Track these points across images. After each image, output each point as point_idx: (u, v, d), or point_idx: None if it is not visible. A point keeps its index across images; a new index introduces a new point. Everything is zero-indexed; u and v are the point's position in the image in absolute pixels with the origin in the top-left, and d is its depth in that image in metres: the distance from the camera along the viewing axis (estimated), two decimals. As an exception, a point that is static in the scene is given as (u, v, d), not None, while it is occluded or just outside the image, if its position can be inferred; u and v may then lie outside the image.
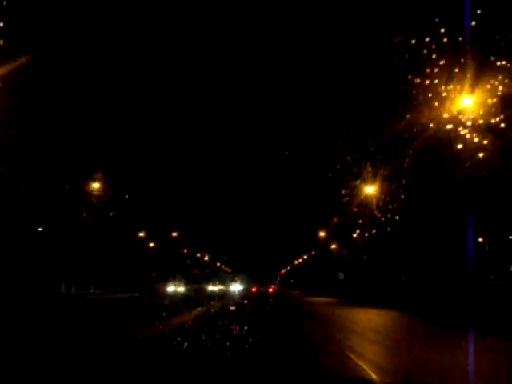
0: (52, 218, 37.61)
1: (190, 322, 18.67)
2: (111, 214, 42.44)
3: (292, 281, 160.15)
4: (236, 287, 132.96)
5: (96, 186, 34.86)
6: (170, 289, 49.81)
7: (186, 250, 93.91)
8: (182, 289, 51.17)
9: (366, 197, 41.41)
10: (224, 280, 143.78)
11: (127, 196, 43.72)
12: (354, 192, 45.65)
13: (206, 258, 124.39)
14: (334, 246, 68.97)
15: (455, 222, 49.24)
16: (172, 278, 54.49)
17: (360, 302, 44.05)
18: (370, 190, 34.41)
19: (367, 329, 19.22)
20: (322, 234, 62.24)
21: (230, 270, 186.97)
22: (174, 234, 71.05)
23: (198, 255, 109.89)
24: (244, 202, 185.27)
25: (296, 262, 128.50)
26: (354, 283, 56.62)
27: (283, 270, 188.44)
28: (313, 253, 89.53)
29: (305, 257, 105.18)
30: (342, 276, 57.26)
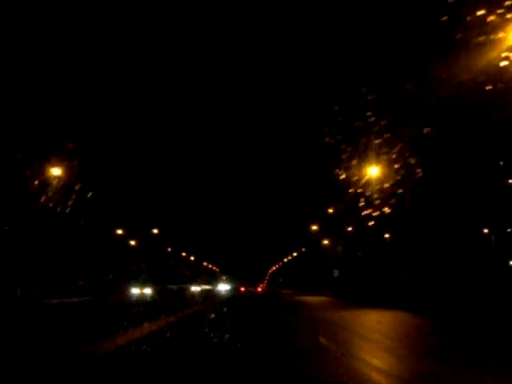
0: (6, 211, 32.86)
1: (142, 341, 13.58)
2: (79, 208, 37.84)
3: (281, 279, 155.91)
4: (223, 287, 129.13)
5: (57, 172, 30.15)
6: (135, 290, 43.10)
7: (169, 249, 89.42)
8: (148, 291, 44.37)
9: (364, 182, 37.22)
10: (211, 280, 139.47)
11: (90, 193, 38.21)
12: (350, 178, 41.70)
13: (192, 258, 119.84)
14: (326, 242, 64.83)
15: (464, 213, 45.43)
16: (138, 277, 47.39)
17: (358, 301, 39.94)
18: (372, 171, 30.04)
19: (384, 341, 14.91)
20: (313, 228, 57.88)
21: (217, 270, 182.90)
22: (155, 231, 66.39)
23: (184, 254, 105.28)
24: (231, 199, 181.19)
25: (285, 259, 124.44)
26: (349, 280, 52.51)
27: (272, 269, 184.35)
28: (303, 249, 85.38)
29: (294, 254, 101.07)
30: (336, 273, 53.13)
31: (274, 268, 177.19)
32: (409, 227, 45.14)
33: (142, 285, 44.95)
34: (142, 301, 29.39)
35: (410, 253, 48.41)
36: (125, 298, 29.76)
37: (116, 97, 42.46)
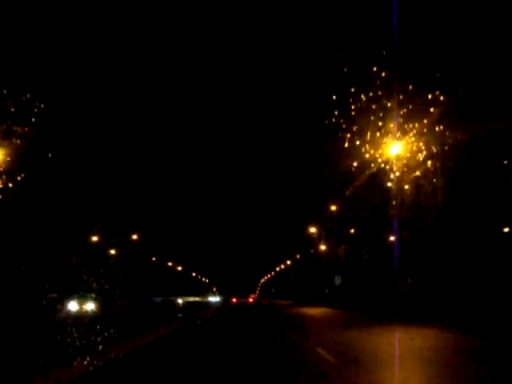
0: None
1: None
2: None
3: (273, 290, 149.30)
4: (214, 299, 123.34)
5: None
6: (72, 306, 33.98)
7: (154, 259, 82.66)
8: (91, 306, 35.01)
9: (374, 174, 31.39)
10: (201, 291, 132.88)
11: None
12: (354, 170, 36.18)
13: (180, 268, 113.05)
14: (323, 248, 58.67)
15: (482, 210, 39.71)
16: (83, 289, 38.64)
17: (366, 312, 33.90)
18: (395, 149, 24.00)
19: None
20: (310, 231, 51.37)
21: (207, 281, 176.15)
22: (134, 237, 59.78)
23: (170, 264, 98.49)
24: (221, 208, 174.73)
25: (277, 268, 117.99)
26: (354, 288, 46.32)
27: (264, 279, 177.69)
28: (297, 256, 79.07)
29: (288, 262, 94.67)
30: (338, 280, 46.88)
31: (266, 278, 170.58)
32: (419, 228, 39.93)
33: (83, 299, 36.19)
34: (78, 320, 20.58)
35: (419, 255, 43.10)
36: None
37: (106, 96, 42.01)
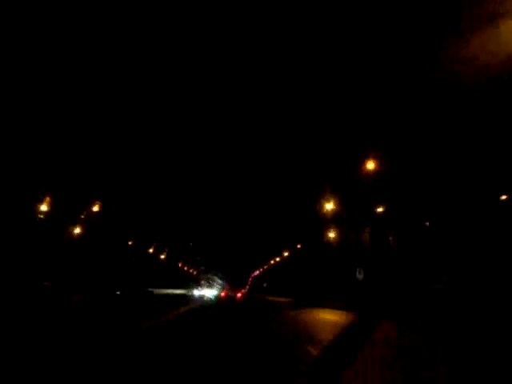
0: None
1: None
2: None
3: (265, 284, 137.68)
4: (200, 292, 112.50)
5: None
6: None
7: (130, 243, 70.66)
8: None
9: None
10: (186, 284, 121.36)
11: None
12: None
13: (163, 256, 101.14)
14: (332, 235, 46.95)
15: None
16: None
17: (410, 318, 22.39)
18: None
19: None
20: (325, 209, 39.15)
21: (194, 272, 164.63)
22: (95, 209, 47.65)
23: (151, 251, 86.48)
24: (207, 194, 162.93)
25: (272, 261, 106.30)
26: (380, 285, 34.71)
27: (255, 273, 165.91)
28: (298, 246, 67.31)
29: (285, 254, 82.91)
30: (361, 274, 35.17)
31: (258, 272, 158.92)
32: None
33: None
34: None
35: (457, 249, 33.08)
36: None
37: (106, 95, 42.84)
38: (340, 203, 38.52)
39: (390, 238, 35.79)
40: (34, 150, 39.54)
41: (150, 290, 69.37)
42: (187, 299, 53.00)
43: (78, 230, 54.15)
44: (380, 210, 35.97)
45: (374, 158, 28.92)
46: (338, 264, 43.91)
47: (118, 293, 42.86)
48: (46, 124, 40.81)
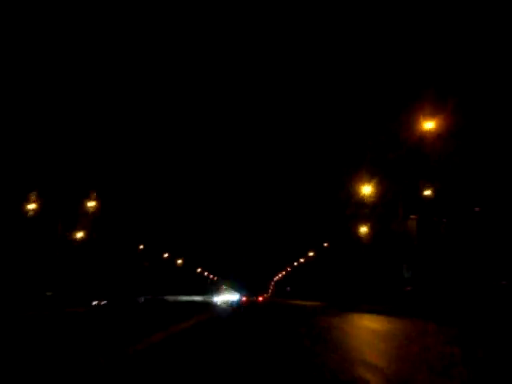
0: None
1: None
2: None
3: (289, 288, 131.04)
4: (223, 298, 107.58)
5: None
6: None
7: (141, 246, 64.90)
8: None
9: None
10: (205, 290, 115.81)
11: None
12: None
13: (180, 262, 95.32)
14: (364, 229, 40.52)
15: None
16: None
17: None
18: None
19: None
20: (364, 192, 32.26)
21: (215, 278, 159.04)
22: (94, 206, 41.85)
23: (165, 255, 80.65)
24: (228, 198, 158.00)
25: (296, 263, 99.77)
26: (434, 283, 28.19)
27: (277, 277, 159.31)
28: (325, 245, 60.81)
29: (311, 254, 76.36)
30: (408, 272, 28.72)
31: (280, 276, 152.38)
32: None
33: None
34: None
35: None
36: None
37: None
38: (377, 188, 32.14)
39: (442, 226, 29.28)
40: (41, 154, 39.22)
41: (164, 297, 63.88)
42: (204, 307, 46.86)
43: (81, 234, 48.63)
44: (429, 192, 29.51)
45: (429, 120, 22.49)
46: (375, 261, 37.43)
47: (121, 302, 37.23)
48: (53, 128, 40.14)
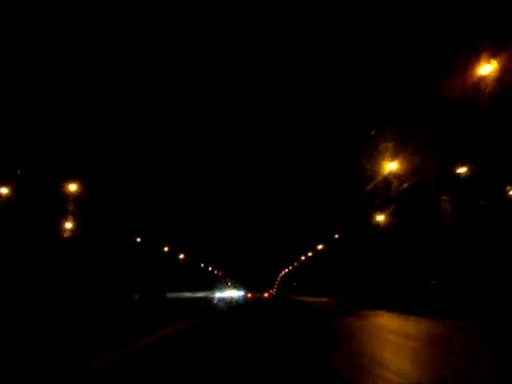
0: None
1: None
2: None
3: (295, 284, 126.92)
4: (227, 294, 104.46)
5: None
6: None
7: (139, 239, 60.60)
8: None
9: None
10: (209, 286, 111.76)
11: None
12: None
13: (182, 256, 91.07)
14: (380, 218, 36.13)
15: None
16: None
17: None
18: None
19: None
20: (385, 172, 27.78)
21: (220, 273, 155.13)
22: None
23: (165, 249, 76.35)
24: (233, 193, 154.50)
25: (303, 257, 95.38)
26: (473, 276, 23.73)
27: (283, 272, 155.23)
28: (336, 236, 56.32)
29: (319, 247, 71.89)
30: (435, 263, 24.21)
31: (286, 271, 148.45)
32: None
33: None
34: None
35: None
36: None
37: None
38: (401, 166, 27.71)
39: (479, 209, 24.83)
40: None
41: (164, 294, 59.73)
42: (206, 306, 42.61)
43: (69, 225, 44.42)
44: (463, 170, 25.05)
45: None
46: (395, 251, 32.94)
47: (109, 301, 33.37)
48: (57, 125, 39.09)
